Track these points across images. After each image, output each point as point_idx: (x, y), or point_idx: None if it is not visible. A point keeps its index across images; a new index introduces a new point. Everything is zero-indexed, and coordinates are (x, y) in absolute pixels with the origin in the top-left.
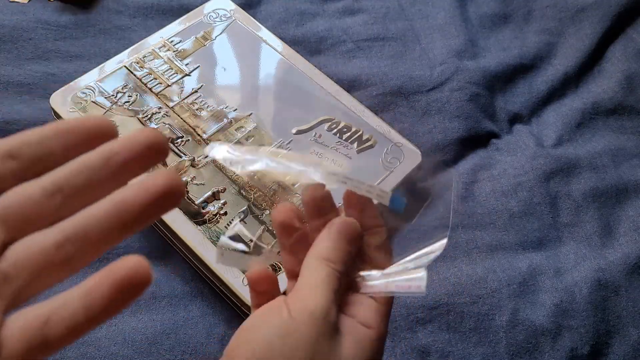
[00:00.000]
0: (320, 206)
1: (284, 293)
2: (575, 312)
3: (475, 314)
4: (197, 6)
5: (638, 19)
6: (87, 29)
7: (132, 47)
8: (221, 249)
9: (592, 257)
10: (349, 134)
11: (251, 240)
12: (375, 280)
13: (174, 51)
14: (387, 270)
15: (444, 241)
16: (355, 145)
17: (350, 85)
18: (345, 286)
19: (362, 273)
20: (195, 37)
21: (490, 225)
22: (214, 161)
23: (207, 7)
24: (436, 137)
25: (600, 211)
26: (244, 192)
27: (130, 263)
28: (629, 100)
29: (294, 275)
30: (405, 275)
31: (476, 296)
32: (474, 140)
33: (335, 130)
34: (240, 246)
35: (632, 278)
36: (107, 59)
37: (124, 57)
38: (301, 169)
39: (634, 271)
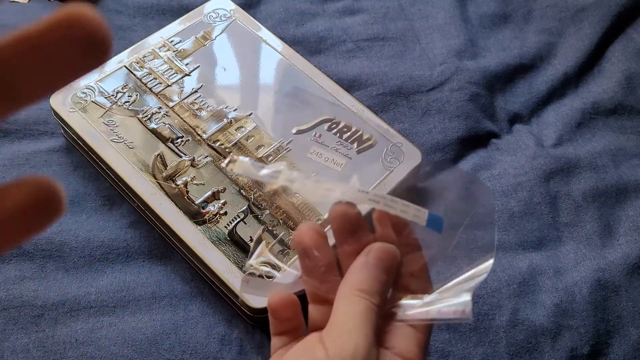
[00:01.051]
0: (351, 228)
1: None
2: (575, 312)
3: (475, 314)
4: (197, 6)
5: (638, 19)
6: None
7: (132, 47)
8: (247, 276)
9: (592, 257)
10: (349, 133)
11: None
12: (415, 308)
13: (174, 51)
14: (428, 299)
15: (490, 262)
16: (355, 145)
17: (350, 85)
18: (383, 316)
19: (401, 302)
20: (195, 37)
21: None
22: (213, 161)
23: (207, 7)
24: (436, 137)
25: (600, 211)
26: (244, 192)
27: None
28: (629, 100)
29: (317, 300)
30: (447, 301)
31: (476, 296)
32: (474, 140)
33: (335, 130)
34: (269, 271)
35: (632, 278)
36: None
37: (124, 57)
38: (327, 186)
39: (634, 271)
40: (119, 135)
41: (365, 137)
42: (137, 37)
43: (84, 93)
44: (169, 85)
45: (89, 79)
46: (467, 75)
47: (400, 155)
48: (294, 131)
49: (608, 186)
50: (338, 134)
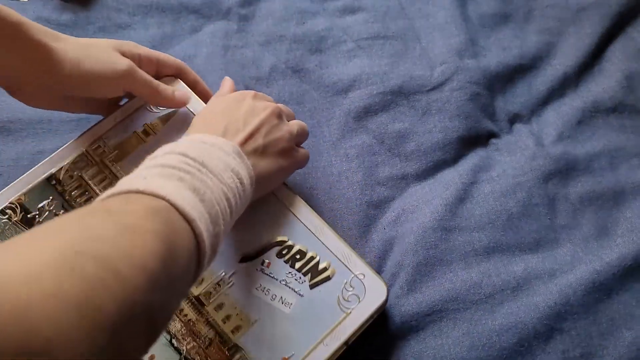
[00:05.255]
0: None
1: None
2: (568, 314)
3: (468, 320)
4: (195, 4)
5: (638, 18)
6: (87, 27)
7: (62, 148)
8: None
9: (588, 260)
10: (302, 261)
11: None
12: None
13: (109, 151)
14: None
15: None
16: (308, 277)
17: (350, 84)
18: None
19: None
20: (134, 132)
21: (489, 225)
22: None
23: None
24: (436, 136)
25: (597, 213)
26: (175, 342)
27: None
28: (629, 99)
29: None
30: None
31: (470, 302)
32: (474, 140)
33: (287, 256)
34: None
35: (626, 280)
36: None
37: (53, 164)
38: None
39: (629, 273)
40: None
41: (321, 266)
42: (137, 34)
43: (4, 214)
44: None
45: (12, 192)
46: (468, 75)
47: (362, 290)
48: (238, 258)
49: (606, 188)
50: (290, 262)
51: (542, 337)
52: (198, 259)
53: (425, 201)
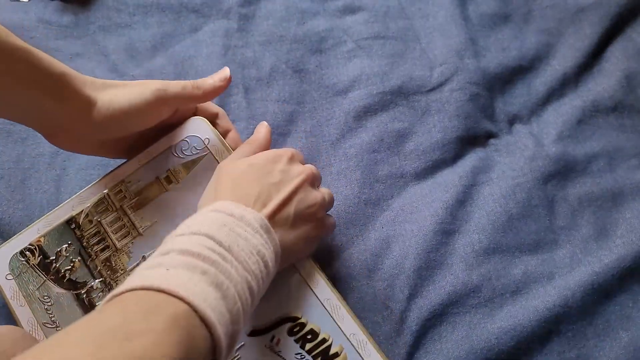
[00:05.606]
0: None
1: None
2: (566, 316)
3: (467, 323)
4: (196, 4)
5: (637, 19)
6: (88, 27)
7: (85, 189)
8: None
9: (587, 262)
10: (314, 343)
11: None
12: None
13: (130, 198)
14: None
15: None
16: None
17: (350, 85)
18: None
19: None
20: (157, 178)
21: (489, 226)
22: None
23: (179, 131)
24: (435, 136)
25: (596, 214)
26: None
27: None
28: (629, 99)
29: None
30: None
31: (469, 306)
32: (473, 140)
33: (298, 335)
34: None
35: (625, 281)
36: (107, 57)
37: (73, 204)
38: None
39: (627, 274)
40: (53, 319)
41: (333, 350)
42: (137, 35)
43: (24, 255)
44: (116, 250)
45: (34, 232)
46: (467, 76)
47: None
48: (248, 330)
49: (605, 189)
50: (300, 342)
51: (540, 339)
52: None
53: (425, 203)
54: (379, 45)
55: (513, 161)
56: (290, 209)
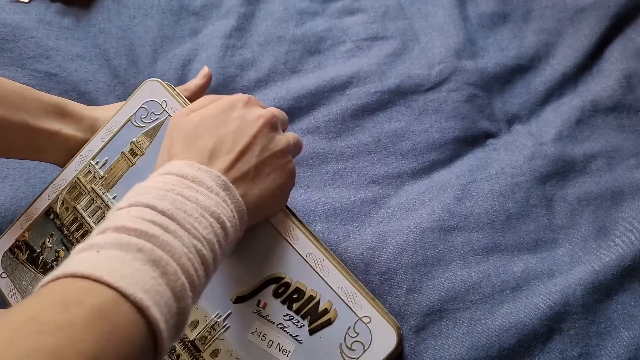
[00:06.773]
0: None
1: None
2: (567, 314)
3: (468, 319)
4: (196, 6)
5: (637, 19)
6: (88, 28)
7: (57, 176)
8: None
9: (587, 261)
10: (301, 302)
11: None
12: None
13: (100, 178)
14: None
15: None
16: (307, 321)
17: (348, 83)
18: None
19: None
20: (122, 153)
21: (488, 225)
22: None
23: (134, 99)
24: (432, 136)
25: (595, 214)
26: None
27: None
28: (628, 99)
29: None
30: None
31: (469, 302)
32: (471, 141)
33: (284, 296)
34: None
35: (625, 280)
36: (107, 59)
37: (49, 195)
38: None
39: (628, 273)
40: None
41: (322, 307)
42: (137, 37)
43: (13, 253)
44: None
45: (17, 229)
46: (465, 76)
47: (367, 337)
48: (233, 297)
49: (604, 188)
50: (287, 303)
51: (541, 337)
52: (154, 347)
53: (422, 201)
54: (377, 45)
55: (512, 159)
56: (251, 158)
